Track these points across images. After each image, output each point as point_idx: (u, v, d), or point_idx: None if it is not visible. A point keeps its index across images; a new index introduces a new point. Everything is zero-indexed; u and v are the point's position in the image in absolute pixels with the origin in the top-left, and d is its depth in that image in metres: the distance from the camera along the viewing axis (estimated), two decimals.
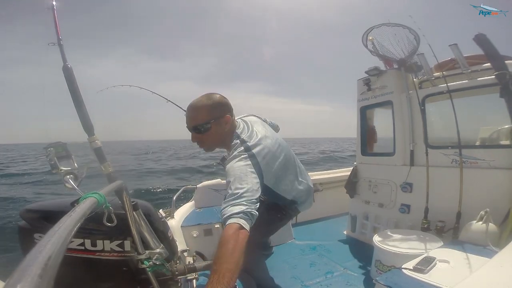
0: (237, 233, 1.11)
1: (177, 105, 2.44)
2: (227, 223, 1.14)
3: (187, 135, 1.57)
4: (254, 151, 1.43)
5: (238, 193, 1.22)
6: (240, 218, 1.14)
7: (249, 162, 1.37)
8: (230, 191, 1.25)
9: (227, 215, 1.16)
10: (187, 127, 1.55)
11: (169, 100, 2.56)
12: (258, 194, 1.27)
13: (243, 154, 1.40)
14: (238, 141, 1.49)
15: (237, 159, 1.38)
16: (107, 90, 2.84)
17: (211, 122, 1.49)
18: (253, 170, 1.35)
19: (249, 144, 1.46)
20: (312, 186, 1.89)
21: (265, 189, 1.50)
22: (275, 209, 1.79)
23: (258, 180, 1.33)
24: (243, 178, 1.29)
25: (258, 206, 1.24)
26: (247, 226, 1.14)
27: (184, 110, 1.86)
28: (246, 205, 1.19)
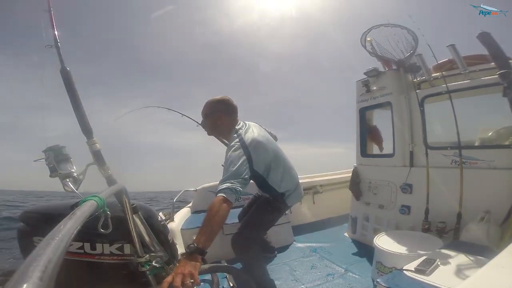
0: (221, 203, 1.53)
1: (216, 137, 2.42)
2: (216, 196, 1.56)
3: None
4: (246, 141, 1.78)
5: (228, 174, 1.61)
6: (225, 192, 1.55)
7: (241, 150, 1.72)
8: (223, 174, 1.64)
9: (217, 190, 1.58)
10: None
11: (199, 124, 2.52)
12: (244, 175, 1.62)
13: (237, 144, 1.75)
14: (235, 134, 1.85)
15: (232, 149, 1.73)
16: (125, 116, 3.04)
17: (208, 115, 1.98)
18: (244, 157, 1.69)
19: (243, 136, 1.82)
20: (299, 182, 2.13)
21: (258, 177, 1.89)
22: (265, 203, 2.06)
23: (246, 166, 1.67)
24: (234, 163, 1.65)
25: (245, 184, 1.62)
26: (231, 198, 1.55)
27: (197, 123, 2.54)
28: (233, 183, 1.57)
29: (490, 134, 2.59)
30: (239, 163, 1.65)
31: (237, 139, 1.79)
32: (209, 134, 2.10)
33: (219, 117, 1.95)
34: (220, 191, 1.57)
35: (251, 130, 1.92)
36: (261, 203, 2.11)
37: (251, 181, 1.80)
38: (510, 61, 2.14)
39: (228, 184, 1.57)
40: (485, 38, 2.13)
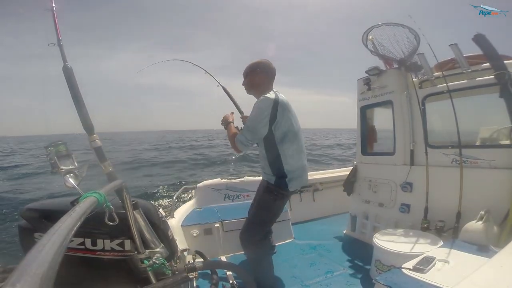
0: (235, 142, 2.03)
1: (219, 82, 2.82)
2: (235, 139, 2.03)
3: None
4: (279, 99, 1.93)
5: (246, 129, 2.01)
6: (238, 141, 2.00)
7: (269, 105, 1.89)
8: (246, 123, 2.06)
9: (237, 137, 2.03)
10: None
11: (220, 84, 2.83)
12: (259, 133, 1.94)
13: (271, 97, 1.92)
14: (272, 91, 2.02)
15: (263, 101, 1.92)
16: (148, 68, 3.23)
17: (249, 73, 2.14)
18: (268, 117, 1.89)
19: (278, 94, 1.98)
20: (306, 168, 2.18)
21: (271, 141, 1.97)
22: (266, 193, 2.08)
23: (265, 125, 1.91)
24: (256, 119, 1.93)
25: (255, 139, 2.00)
26: (240, 137, 2.00)
27: (218, 82, 2.81)
28: (240, 136, 2.00)
29: (491, 133, 2.58)
30: (259, 125, 1.92)
31: (273, 94, 1.96)
32: (248, 92, 2.21)
33: (257, 73, 2.10)
34: (237, 139, 2.02)
35: (286, 98, 2.03)
36: (262, 196, 2.12)
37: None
38: (505, 61, 2.14)
39: (243, 139, 1.99)
40: (480, 40, 2.14)
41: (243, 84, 2.20)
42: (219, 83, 2.83)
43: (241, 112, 2.56)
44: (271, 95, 1.94)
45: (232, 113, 2.31)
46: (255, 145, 2.13)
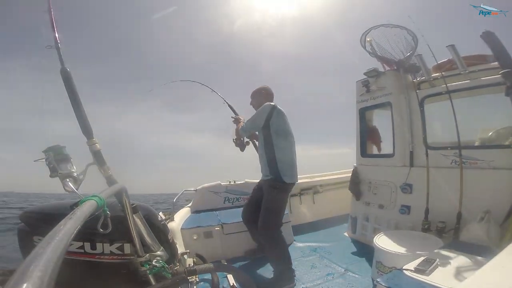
0: (237, 131, 2.75)
1: (232, 109, 3.17)
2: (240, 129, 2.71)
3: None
4: (277, 107, 2.47)
5: (249, 122, 2.62)
6: (241, 128, 2.66)
7: (268, 110, 2.43)
8: (249, 119, 2.61)
9: (241, 126, 2.70)
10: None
11: (226, 102, 3.26)
12: (253, 124, 2.57)
13: (271, 105, 2.46)
14: (272, 103, 2.50)
15: (264, 107, 2.48)
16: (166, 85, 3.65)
17: (256, 95, 2.75)
18: (265, 112, 2.44)
19: (276, 105, 2.48)
20: (295, 166, 2.55)
21: (267, 130, 2.44)
22: (270, 189, 2.45)
23: (263, 119, 2.43)
24: (256, 117, 2.52)
25: (253, 128, 2.62)
26: (244, 125, 2.68)
27: (224, 100, 3.28)
28: (243, 125, 2.67)
29: (490, 134, 2.58)
30: (258, 117, 2.49)
31: (272, 104, 2.48)
32: (256, 108, 2.69)
33: (261, 94, 2.72)
34: (241, 127, 2.69)
35: (283, 110, 2.54)
36: (267, 192, 2.48)
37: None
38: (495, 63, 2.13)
39: (244, 126, 2.65)
40: (489, 37, 2.11)
41: (251, 104, 2.79)
42: (224, 100, 3.27)
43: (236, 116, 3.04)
44: (271, 103, 2.51)
45: (244, 119, 2.86)
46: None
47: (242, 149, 2.87)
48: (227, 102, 3.24)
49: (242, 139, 2.82)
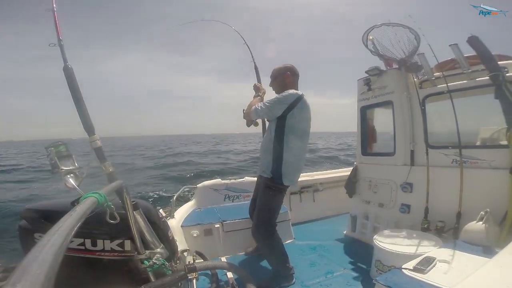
0: (250, 107, 2.35)
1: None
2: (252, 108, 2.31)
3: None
4: (302, 98, 2.20)
5: (264, 105, 2.24)
6: (254, 110, 2.28)
7: (295, 96, 2.16)
8: (268, 101, 2.27)
9: (254, 107, 2.30)
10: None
11: (253, 61, 3.03)
12: (268, 111, 2.23)
13: (297, 94, 2.18)
14: (300, 92, 2.23)
15: (287, 93, 2.19)
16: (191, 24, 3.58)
17: (278, 76, 2.40)
18: (286, 103, 2.15)
19: (303, 96, 2.21)
20: (300, 170, 2.37)
21: (282, 123, 2.19)
22: (265, 190, 2.29)
23: (280, 109, 2.16)
24: (274, 102, 2.20)
25: (267, 115, 2.28)
26: (258, 106, 2.27)
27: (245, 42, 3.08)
28: (258, 106, 2.27)
29: (491, 134, 2.58)
30: (277, 105, 2.18)
31: (301, 93, 2.22)
32: (276, 92, 2.41)
33: (288, 76, 2.37)
34: (254, 107, 2.29)
35: (309, 104, 2.30)
36: (262, 193, 2.33)
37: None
38: (502, 62, 2.15)
39: (258, 109, 2.26)
40: (474, 42, 2.15)
41: (270, 85, 2.47)
42: (252, 58, 3.05)
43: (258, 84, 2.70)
44: (299, 92, 2.22)
45: (265, 92, 2.56)
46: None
47: (248, 125, 2.55)
48: (254, 63, 2.93)
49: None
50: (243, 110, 2.47)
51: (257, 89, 2.57)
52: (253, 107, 2.29)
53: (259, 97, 2.49)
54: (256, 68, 2.93)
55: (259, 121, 2.64)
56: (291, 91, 2.21)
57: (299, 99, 2.17)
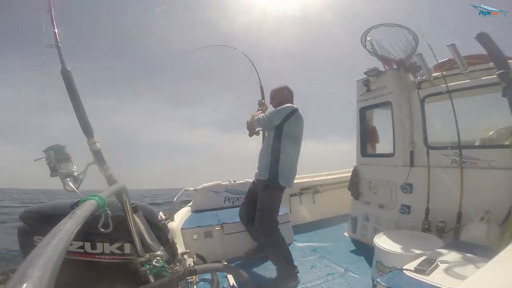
0: (253, 118, 2.68)
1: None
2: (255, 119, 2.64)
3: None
4: (297, 111, 2.50)
5: (266, 115, 2.53)
6: (257, 120, 2.59)
7: (287, 111, 2.45)
8: (268, 112, 2.60)
9: (257, 117, 2.62)
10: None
11: (259, 81, 3.33)
12: (272, 122, 2.48)
13: (292, 108, 2.48)
14: (295, 106, 2.53)
15: (285, 107, 2.48)
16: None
17: (276, 93, 2.74)
18: (283, 114, 2.44)
19: (298, 110, 2.51)
20: (294, 172, 2.58)
21: (279, 131, 2.46)
22: (264, 189, 2.47)
23: (279, 118, 2.45)
24: (274, 114, 2.50)
25: (267, 123, 2.52)
26: (260, 117, 2.56)
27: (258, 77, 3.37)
28: (261, 116, 2.57)
29: (490, 134, 2.58)
30: (276, 115, 2.48)
31: (295, 107, 2.52)
32: (275, 108, 2.67)
33: (285, 94, 2.72)
34: (257, 118, 2.60)
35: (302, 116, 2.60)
36: (262, 194, 2.50)
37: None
38: (509, 61, 2.13)
39: (261, 119, 2.55)
40: (483, 38, 2.13)
41: (271, 103, 2.81)
42: (258, 78, 3.35)
43: (262, 100, 3.10)
44: (294, 106, 2.54)
45: (267, 108, 2.89)
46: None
47: (250, 135, 2.87)
48: (260, 82, 3.31)
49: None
50: (247, 121, 2.84)
51: (261, 104, 2.99)
52: (256, 117, 2.63)
53: (261, 110, 2.87)
54: (261, 87, 3.28)
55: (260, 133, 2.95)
56: (288, 104, 2.54)
57: (295, 111, 2.49)
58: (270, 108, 2.83)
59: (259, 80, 3.34)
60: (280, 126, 2.46)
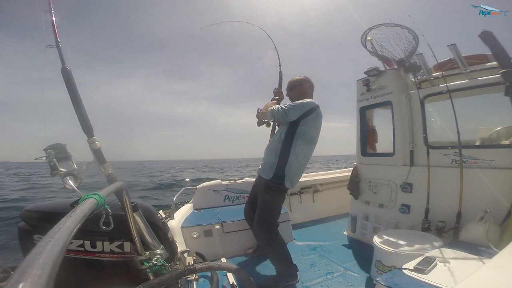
0: (267, 109, 2.37)
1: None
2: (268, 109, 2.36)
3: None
4: (317, 109, 2.29)
5: (282, 107, 2.28)
6: (271, 111, 2.32)
7: (312, 105, 2.26)
8: (285, 104, 2.32)
9: (270, 108, 2.35)
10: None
11: (279, 67, 3.00)
12: (288, 115, 2.24)
13: (313, 104, 2.28)
14: (316, 103, 2.32)
15: (305, 101, 2.28)
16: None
17: (296, 86, 2.50)
18: (303, 110, 2.23)
19: (318, 107, 2.31)
20: (299, 175, 2.40)
21: (293, 129, 2.26)
22: (266, 191, 2.33)
23: (296, 113, 2.23)
24: (292, 107, 2.26)
25: (282, 117, 2.26)
26: (275, 108, 2.30)
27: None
28: (275, 107, 2.31)
29: (490, 133, 2.58)
30: (294, 110, 2.24)
31: (316, 104, 2.30)
32: (292, 101, 2.47)
33: (306, 87, 2.48)
34: (271, 108, 2.33)
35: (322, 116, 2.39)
36: (263, 194, 2.36)
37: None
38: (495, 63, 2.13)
39: (275, 111, 2.29)
40: (487, 37, 2.12)
41: (287, 95, 2.58)
42: (279, 62, 3.02)
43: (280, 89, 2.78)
44: (316, 102, 2.32)
45: (283, 98, 2.64)
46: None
47: (259, 124, 2.65)
48: (280, 69, 2.96)
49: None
50: (258, 109, 2.58)
51: (278, 93, 2.67)
52: (270, 108, 2.35)
53: (276, 101, 2.59)
54: (280, 74, 2.96)
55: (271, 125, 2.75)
56: (309, 100, 2.31)
57: (315, 108, 2.27)
58: (286, 100, 2.59)
59: (280, 66, 2.99)
60: (296, 122, 2.25)
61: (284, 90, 2.65)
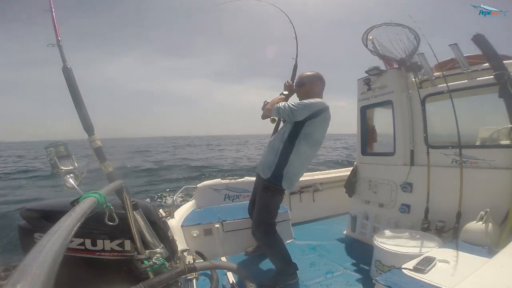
0: (273, 104, 2.26)
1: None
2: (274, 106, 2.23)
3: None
4: (326, 110, 2.20)
5: (289, 106, 2.15)
6: (276, 108, 2.20)
7: (322, 106, 2.16)
8: (292, 103, 2.19)
9: (275, 105, 2.23)
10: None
11: (296, 58, 2.82)
12: (290, 114, 2.13)
13: (323, 105, 2.17)
14: (327, 104, 2.21)
15: (314, 101, 2.16)
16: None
17: (307, 83, 2.36)
18: (311, 111, 2.12)
19: (328, 108, 2.22)
20: (298, 177, 2.37)
21: (296, 129, 2.17)
22: (264, 191, 2.28)
23: (304, 114, 2.12)
24: (300, 107, 2.13)
25: (288, 116, 2.15)
26: (281, 105, 2.18)
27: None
28: (281, 105, 2.18)
29: (491, 133, 2.58)
30: (301, 110, 2.12)
31: (326, 105, 2.20)
32: (300, 98, 2.41)
33: (317, 85, 2.36)
34: (277, 105, 2.21)
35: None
36: (261, 194, 2.32)
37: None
38: (505, 62, 2.14)
39: (281, 108, 2.18)
40: (479, 40, 2.14)
41: (297, 91, 2.45)
42: (296, 47, 2.82)
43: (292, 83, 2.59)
44: (326, 103, 2.22)
45: (293, 94, 2.50)
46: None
47: (263, 118, 2.51)
48: (296, 61, 2.77)
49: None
50: (265, 101, 2.47)
51: (289, 88, 2.49)
52: (276, 105, 2.22)
53: (284, 97, 2.43)
54: (295, 66, 2.79)
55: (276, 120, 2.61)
56: (319, 100, 2.20)
57: (324, 110, 2.17)
58: (293, 97, 2.49)
59: (296, 57, 2.78)
60: (301, 123, 2.14)
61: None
